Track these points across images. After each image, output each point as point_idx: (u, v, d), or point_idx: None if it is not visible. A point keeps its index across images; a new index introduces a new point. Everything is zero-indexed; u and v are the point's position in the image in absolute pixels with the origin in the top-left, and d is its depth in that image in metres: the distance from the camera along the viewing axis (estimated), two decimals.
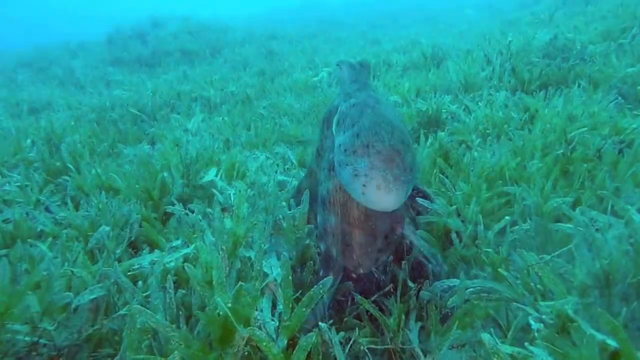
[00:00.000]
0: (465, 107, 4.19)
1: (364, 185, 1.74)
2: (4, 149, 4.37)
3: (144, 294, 2.08)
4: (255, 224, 1.85)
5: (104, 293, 2.04)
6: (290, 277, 1.75)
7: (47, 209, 3.80)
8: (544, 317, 1.68)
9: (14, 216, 3.41)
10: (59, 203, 3.95)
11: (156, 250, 2.58)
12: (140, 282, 2.15)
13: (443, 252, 2.36)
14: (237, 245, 1.92)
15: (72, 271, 2.05)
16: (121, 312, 2.05)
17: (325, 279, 1.71)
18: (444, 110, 4.13)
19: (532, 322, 1.66)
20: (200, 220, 2.13)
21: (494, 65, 4.95)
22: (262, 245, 1.88)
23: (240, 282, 1.83)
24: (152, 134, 6.44)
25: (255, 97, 7.89)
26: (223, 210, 2.02)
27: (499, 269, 1.94)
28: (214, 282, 1.63)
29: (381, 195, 1.72)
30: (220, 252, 1.90)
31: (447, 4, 22.00)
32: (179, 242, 2.49)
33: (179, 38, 16.46)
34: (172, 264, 2.15)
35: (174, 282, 2.12)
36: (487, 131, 3.46)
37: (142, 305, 2.06)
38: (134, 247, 3.04)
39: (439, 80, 5.24)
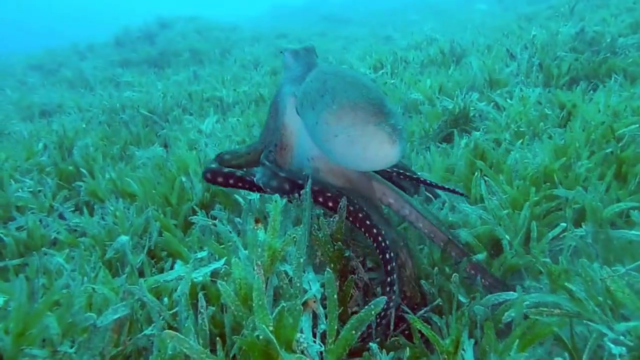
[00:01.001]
0: (494, 105, 3.99)
1: (364, 148, 1.68)
2: (17, 153, 4.24)
3: (170, 312, 1.92)
4: (294, 237, 1.68)
5: (128, 312, 1.89)
6: (335, 295, 1.58)
7: (60, 216, 3.67)
8: (621, 338, 1.50)
9: (27, 224, 3.28)
10: (72, 209, 3.82)
11: (178, 261, 2.43)
12: (165, 299, 2.00)
13: (490, 261, 2.18)
14: (273, 260, 1.74)
15: (93, 288, 1.90)
16: (146, 332, 1.89)
17: (379, 299, 1.54)
18: (472, 109, 3.94)
19: (610, 344, 1.48)
20: (231, 232, 1.96)
21: (519, 60, 4.76)
22: (301, 259, 1.71)
23: (281, 302, 1.67)
24: (164, 135, 6.30)
25: (269, 96, 7.73)
26: (256, 221, 1.84)
27: (565, 282, 1.76)
28: (254, 305, 1.46)
29: (386, 149, 1.67)
30: (256, 268, 1.73)
31: None
32: (204, 253, 2.33)
33: (188, 38, 16.35)
34: (200, 279, 1.99)
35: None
36: (521, 129, 3.27)
37: (169, 325, 1.91)
38: (152, 256, 2.89)
39: (462, 77, 5.04)
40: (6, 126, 6.13)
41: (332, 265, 1.99)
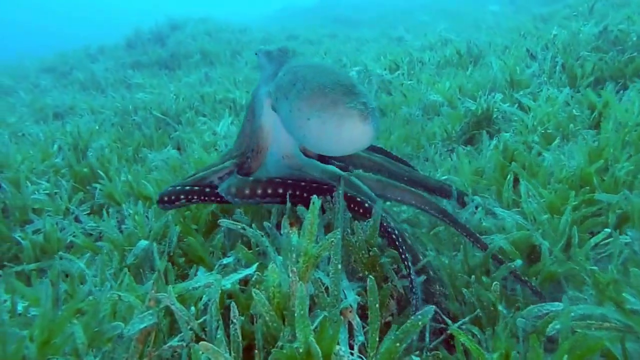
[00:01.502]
0: (518, 106, 3.88)
1: (338, 128, 1.71)
2: (33, 155, 4.20)
3: (198, 322, 1.85)
4: (333, 242, 1.60)
5: (154, 321, 1.81)
6: (377, 305, 1.50)
7: (75, 219, 3.61)
8: None
9: (44, 227, 3.22)
10: (87, 212, 3.76)
11: (200, 267, 2.36)
12: (192, 308, 1.92)
13: (527, 268, 2.09)
14: (308, 267, 1.67)
15: (119, 296, 1.83)
16: (172, 342, 1.81)
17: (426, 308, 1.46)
18: (496, 110, 3.84)
19: None
20: (262, 236, 1.88)
21: (540, 61, 4.65)
22: (339, 265, 1.63)
23: (317, 311, 1.60)
24: (176, 137, 6.25)
25: None
26: (291, 224, 1.77)
27: (614, 293, 1.66)
28: (296, 315, 1.38)
29: (359, 127, 1.69)
30: (291, 275, 1.65)
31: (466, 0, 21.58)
32: (230, 259, 2.25)
33: (198, 40, 16.33)
34: (228, 286, 1.91)
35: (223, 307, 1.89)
36: (548, 131, 3.16)
37: (197, 336, 1.83)
38: (171, 263, 2.82)
39: (482, 78, 4.94)
40: (21, 128, 6.10)
41: (365, 272, 1.91)
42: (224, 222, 2.01)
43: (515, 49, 5.82)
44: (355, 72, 7.92)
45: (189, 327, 1.80)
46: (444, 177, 2.87)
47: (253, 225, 2.05)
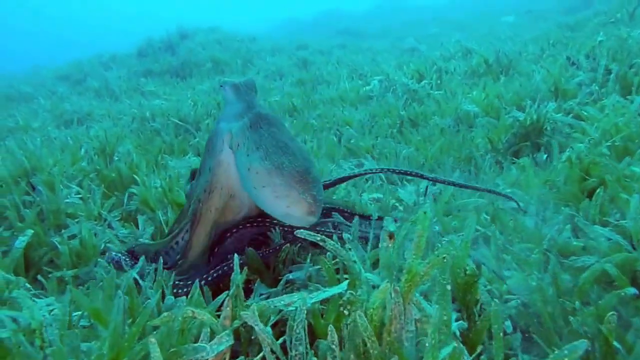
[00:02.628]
0: (576, 116, 3.72)
1: (287, 207, 1.92)
2: (63, 159, 4.04)
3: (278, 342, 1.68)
4: (445, 258, 1.43)
5: (232, 342, 1.65)
6: (501, 333, 1.33)
7: (109, 226, 3.46)
8: None
9: (80, 232, 3.06)
10: (118, 218, 3.61)
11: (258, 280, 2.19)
12: (268, 328, 1.75)
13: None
14: (411, 287, 1.50)
15: (192, 312, 1.66)
16: None
17: None
18: (548, 121, 3.68)
19: None
20: (350, 250, 1.71)
21: (585, 69, 4.50)
22: (448, 286, 1.46)
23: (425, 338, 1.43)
24: (196, 144, 6.11)
25: (301, 107, 7.54)
26: (390, 236, 1.61)
27: None
28: (427, 345, 1.21)
29: (304, 218, 1.93)
30: (393, 295, 1.49)
31: (477, 11, 21.55)
32: (299, 274, 2.09)
33: (209, 48, 16.29)
34: (308, 305, 1.74)
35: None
36: (616, 144, 2.99)
37: (278, 359, 1.66)
38: None
39: (521, 88, 4.78)
40: (45, 132, 5.97)
41: (460, 294, 1.75)
42: (302, 232, 1.84)
43: (549, 58, 5.68)
44: (377, 82, 7.80)
45: (270, 351, 1.63)
46: (507, 191, 2.70)
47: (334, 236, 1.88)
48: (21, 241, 2.45)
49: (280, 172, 1.94)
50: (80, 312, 2.05)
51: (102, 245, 3.15)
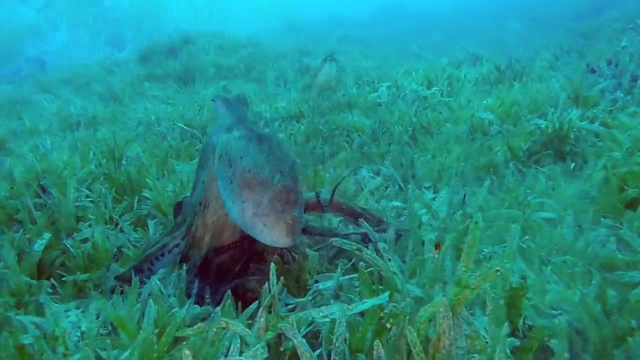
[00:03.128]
0: (602, 124, 3.63)
1: (264, 228, 1.80)
2: (73, 161, 3.96)
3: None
4: (498, 271, 1.34)
5: (266, 356, 1.55)
6: (566, 354, 1.24)
7: (121, 230, 3.37)
8: None
9: (93, 236, 2.96)
10: (129, 222, 3.51)
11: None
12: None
13: None
14: (461, 301, 1.40)
15: (226, 323, 1.56)
16: None
17: None
18: (572, 128, 3.59)
19: None
20: (390, 260, 1.62)
21: (607, 76, 4.42)
22: (501, 301, 1.37)
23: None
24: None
25: (309, 113, 7.47)
26: (436, 246, 1.51)
27: None
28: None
29: (282, 240, 1.78)
30: (442, 310, 1.39)
31: (481, 18, 21.50)
32: (330, 283, 1.99)
33: (212, 53, 16.26)
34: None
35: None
36: None
37: None
38: None
39: (539, 95, 4.70)
40: (55, 135, 5.88)
41: (507, 308, 1.65)
42: (337, 241, 1.75)
43: (564, 65, 5.60)
44: (385, 88, 7.73)
45: None
46: (537, 200, 2.61)
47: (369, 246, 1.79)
48: (40, 244, 2.39)
49: (262, 188, 1.84)
50: (98, 319, 1.97)
51: (115, 249, 3.08)
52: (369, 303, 1.58)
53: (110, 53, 17.17)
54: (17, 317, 2.01)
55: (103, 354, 1.71)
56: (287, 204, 1.82)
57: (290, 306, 2.04)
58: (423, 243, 1.77)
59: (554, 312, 1.82)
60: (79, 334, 1.88)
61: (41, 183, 3.36)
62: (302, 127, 6.61)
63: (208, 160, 2.24)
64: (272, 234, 1.79)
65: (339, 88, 9.23)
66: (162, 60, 15.76)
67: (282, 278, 1.82)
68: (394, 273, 1.61)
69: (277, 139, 2.19)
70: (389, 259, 1.63)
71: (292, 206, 1.83)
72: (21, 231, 2.87)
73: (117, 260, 3.00)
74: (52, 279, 2.60)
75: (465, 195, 2.71)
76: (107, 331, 1.98)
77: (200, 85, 12.65)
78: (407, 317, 1.47)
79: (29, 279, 2.26)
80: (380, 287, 1.79)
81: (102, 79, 11.97)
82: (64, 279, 2.63)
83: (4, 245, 2.51)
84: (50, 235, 2.57)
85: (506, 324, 1.33)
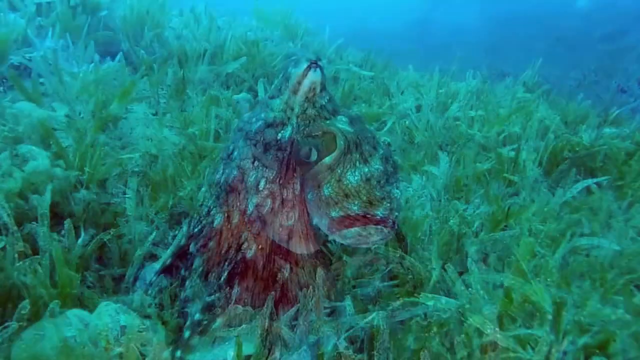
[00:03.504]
0: (635, 143, 3.62)
1: (360, 234, 1.65)
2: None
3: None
4: (548, 282, 1.36)
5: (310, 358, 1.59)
6: None
7: (157, 228, 3.42)
8: None
9: (131, 233, 3.02)
10: (165, 220, 3.56)
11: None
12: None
13: None
14: (507, 312, 1.43)
15: (269, 324, 1.60)
16: None
17: None
18: (604, 146, 3.58)
19: None
20: (433, 268, 1.65)
21: (637, 95, 4.40)
22: (548, 315, 1.39)
23: None
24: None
25: None
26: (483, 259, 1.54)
27: None
28: None
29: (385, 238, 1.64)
30: (489, 322, 1.41)
31: (505, 36, 21.36)
32: (368, 290, 2.02)
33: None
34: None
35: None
36: None
37: None
38: None
39: (569, 112, 4.69)
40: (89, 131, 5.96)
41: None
42: (380, 248, 1.79)
43: (592, 84, 5.58)
44: (413, 99, 7.74)
45: None
46: (575, 216, 2.61)
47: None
48: (84, 240, 2.44)
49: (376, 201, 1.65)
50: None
51: (150, 247, 3.12)
52: (414, 311, 1.61)
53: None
54: (61, 309, 2.04)
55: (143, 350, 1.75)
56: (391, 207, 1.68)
57: (327, 310, 2.07)
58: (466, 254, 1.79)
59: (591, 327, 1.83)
60: (118, 329, 1.92)
61: (79, 177, 3.42)
62: None
63: (300, 151, 1.89)
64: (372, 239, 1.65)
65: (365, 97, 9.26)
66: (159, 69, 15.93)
67: (326, 282, 1.85)
68: (438, 282, 1.64)
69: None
70: (433, 268, 1.65)
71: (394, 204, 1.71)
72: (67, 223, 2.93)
73: (152, 257, 3.05)
74: (87, 273, 2.66)
75: (509, 208, 2.71)
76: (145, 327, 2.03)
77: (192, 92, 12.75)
78: (453, 327, 1.49)
79: (72, 272, 2.31)
80: (421, 294, 1.81)
81: None
82: (101, 272, 2.69)
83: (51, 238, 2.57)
84: (94, 231, 2.63)
85: (555, 339, 1.35)
